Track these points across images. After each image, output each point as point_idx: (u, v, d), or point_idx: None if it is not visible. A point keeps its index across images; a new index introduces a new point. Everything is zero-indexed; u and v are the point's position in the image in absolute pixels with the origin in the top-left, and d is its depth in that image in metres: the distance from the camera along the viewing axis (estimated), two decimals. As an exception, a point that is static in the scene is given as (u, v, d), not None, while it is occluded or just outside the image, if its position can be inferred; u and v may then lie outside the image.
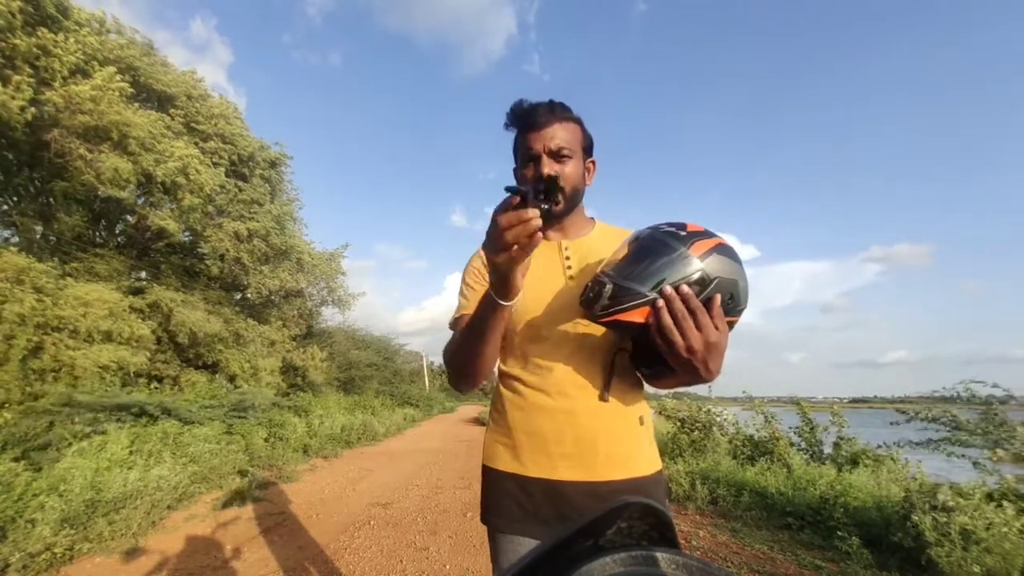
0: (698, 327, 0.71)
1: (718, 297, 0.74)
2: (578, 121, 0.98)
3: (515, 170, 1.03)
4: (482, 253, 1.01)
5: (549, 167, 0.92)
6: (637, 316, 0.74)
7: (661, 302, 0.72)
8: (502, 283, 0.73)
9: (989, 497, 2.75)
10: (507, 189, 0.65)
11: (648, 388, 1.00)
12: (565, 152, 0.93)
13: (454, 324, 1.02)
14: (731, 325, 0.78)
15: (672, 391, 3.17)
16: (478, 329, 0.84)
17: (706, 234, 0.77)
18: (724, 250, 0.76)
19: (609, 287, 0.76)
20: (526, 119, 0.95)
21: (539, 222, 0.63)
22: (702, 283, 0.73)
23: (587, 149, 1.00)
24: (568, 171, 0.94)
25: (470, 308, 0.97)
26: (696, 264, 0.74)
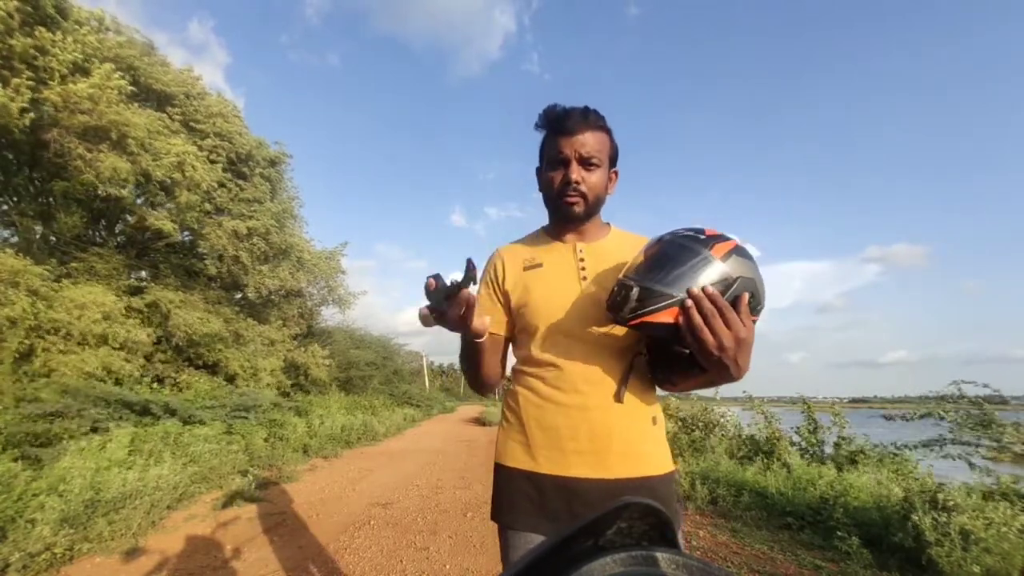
0: (727, 324, 0.73)
1: (745, 295, 0.75)
2: (608, 131, 0.99)
3: (538, 169, 1.05)
4: (500, 253, 1.08)
5: (577, 173, 0.95)
6: (666, 317, 0.76)
7: (690, 302, 0.74)
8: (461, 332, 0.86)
9: (988, 497, 2.75)
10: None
11: (657, 389, 1.01)
12: (594, 161, 0.95)
13: None
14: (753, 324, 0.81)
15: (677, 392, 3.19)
16: (465, 352, 0.98)
17: (723, 237, 0.79)
18: (741, 251, 0.78)
19: (636, 290, 0.77)
20: (559, 123, 0.96)
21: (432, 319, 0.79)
22: (726, 283, 0.75)
23: (612, 159, 1.01)
24: (594, 180, 0.97)
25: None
26: (719, 265, 0.76)
